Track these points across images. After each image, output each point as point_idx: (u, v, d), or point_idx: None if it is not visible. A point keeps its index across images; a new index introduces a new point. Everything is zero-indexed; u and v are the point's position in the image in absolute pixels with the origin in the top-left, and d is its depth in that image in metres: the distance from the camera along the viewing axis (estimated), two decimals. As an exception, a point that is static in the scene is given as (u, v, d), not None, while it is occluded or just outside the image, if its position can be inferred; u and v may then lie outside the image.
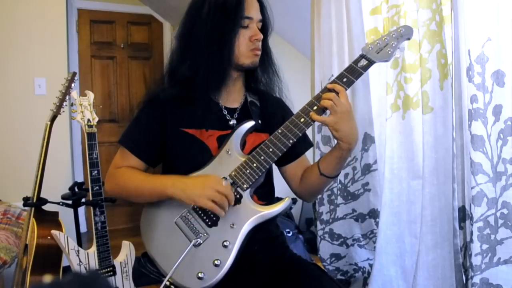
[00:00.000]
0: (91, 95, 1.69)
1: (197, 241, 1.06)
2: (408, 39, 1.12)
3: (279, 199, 1.10)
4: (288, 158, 1.25)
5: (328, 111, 1.06)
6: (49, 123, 1.77)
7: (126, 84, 3.82)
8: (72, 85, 1.79)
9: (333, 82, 1.07)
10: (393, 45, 1.09)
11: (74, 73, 1.81)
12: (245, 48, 1.14)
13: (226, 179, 1.08)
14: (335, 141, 1.10)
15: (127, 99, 3.82)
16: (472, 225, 1.27)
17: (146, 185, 1.12)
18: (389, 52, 1.09)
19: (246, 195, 1.07)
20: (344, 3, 1.82)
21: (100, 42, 3.70)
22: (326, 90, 1.07)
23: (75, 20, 3.56)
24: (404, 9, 1.57)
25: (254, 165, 1.07)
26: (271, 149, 1.07)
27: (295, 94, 1.32)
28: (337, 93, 1.05)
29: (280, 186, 1.31)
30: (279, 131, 1.08)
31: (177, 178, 1.09)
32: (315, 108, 1.06)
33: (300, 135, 1.07)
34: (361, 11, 1.75)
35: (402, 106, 1.63)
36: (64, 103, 1.79)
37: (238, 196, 1.07)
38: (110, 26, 3.74)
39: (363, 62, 1.08)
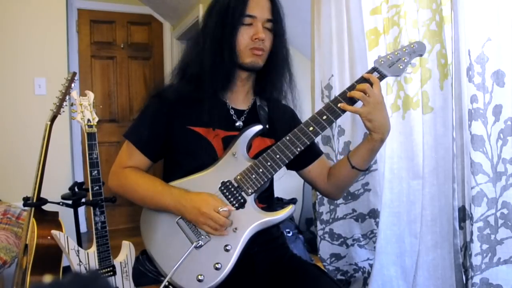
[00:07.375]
0: (91, 95, 1.69)
1: (198, 243, 1.05)
2: (421, 55, 1.14)
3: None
4: (310, 158, 1.25)
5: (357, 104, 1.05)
6: (49, 123, 1.77)
7: (126, 84, 3.82)
8: (72, 85, 1.79)
9: (342, 94, 1.08)
10: (405, 60, 1.10)
11: (74, 73, 1.81)
12: (244, 47, 1.13)
13: (222, 188, 1.08)
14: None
15: (127, 99, 3.82)
16: (472, 225, 1.27)
17: (150, 201, 1.13)
18: (401, 68, 1.10)
19: (250, 200, 1.07)
20: (344, 3, 1.82)
21: (100, 42, 3.70)
22: (353, 88, 1.07)
23: (75, 20, 3.56)
24: (404, 9, 1.57)
25: (260, 170, 1.07)
26: (278, 156, 1.07)
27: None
28: (371, 85, 1.05)
29: (280, 187, 1.30)
30: (287, 138, 1.08)
31: (178, 197, 1.08)
32: (324, 117, 1.07)
33: (308, 143, 1.07)
34: (361, 11, 1.75)
35: (402, 106, 1.63)
36: (64, 103, 1.79)
37: (242, 200, 1.07)
38: (110, 26, 3.74)
39: (375, 75, 1.09)
